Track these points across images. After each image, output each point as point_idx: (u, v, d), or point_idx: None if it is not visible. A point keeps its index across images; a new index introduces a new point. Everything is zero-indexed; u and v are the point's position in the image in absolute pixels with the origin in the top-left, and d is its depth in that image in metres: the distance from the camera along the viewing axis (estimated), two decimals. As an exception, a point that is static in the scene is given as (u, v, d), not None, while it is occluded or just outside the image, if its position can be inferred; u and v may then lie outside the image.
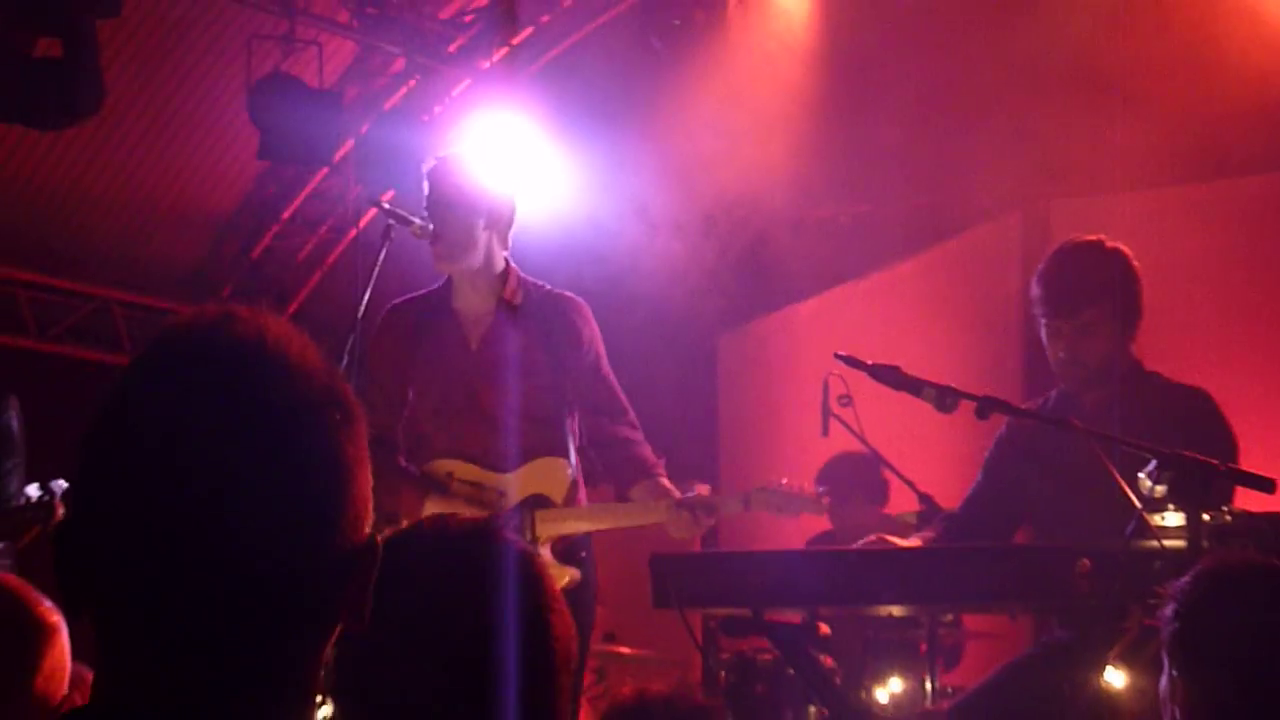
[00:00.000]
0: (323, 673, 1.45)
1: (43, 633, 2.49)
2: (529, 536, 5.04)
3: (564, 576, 4.96)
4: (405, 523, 5.06)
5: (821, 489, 5.04)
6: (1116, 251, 4.77)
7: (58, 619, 2.52)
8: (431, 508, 5.00)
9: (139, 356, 1.42)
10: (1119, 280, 4.72)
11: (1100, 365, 4.70)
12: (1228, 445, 4.51)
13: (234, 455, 1.35)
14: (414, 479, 5.11)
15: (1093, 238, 4.83)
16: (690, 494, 5.00)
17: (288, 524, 1.37)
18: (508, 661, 1.95)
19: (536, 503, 5.08)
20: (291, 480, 1.37)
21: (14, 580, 2.57)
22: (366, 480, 1.43)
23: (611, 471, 5.25)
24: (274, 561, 1.36)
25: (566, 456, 5.14)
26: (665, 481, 5.13)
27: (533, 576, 2.04)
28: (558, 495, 5.10)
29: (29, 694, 2.44)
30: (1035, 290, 4.78)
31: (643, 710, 2.75)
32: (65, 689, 2.48)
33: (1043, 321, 4.77)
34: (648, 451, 5.22)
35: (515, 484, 5.09)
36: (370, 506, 1.44)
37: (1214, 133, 7.07)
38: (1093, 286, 4.70)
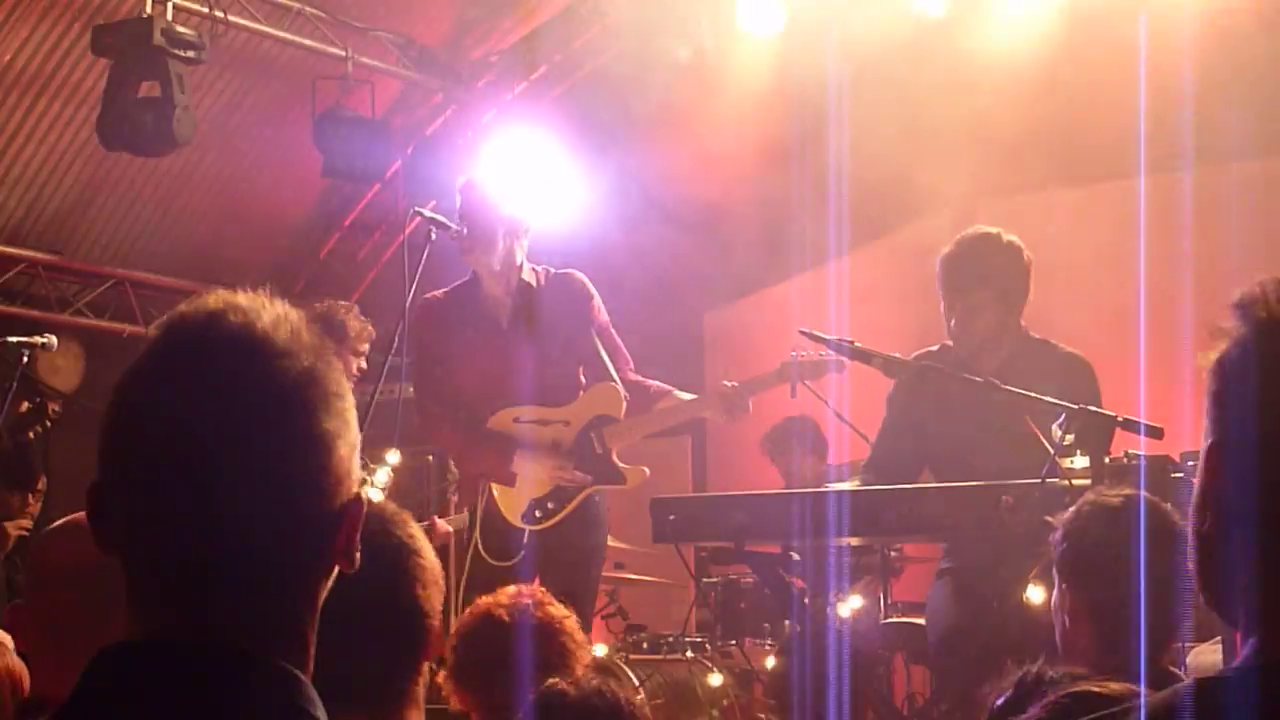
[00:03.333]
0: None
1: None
2: (600, 450, 5.04)
3: (637, 476, 5.08)
4: (491, 481, 5.04)
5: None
6: (1010, 243, 4.69)
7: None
8: (519, 460, 5.00)
9: (146, 350, 1.38)
10: (1005, 268, 4.65)
11: (986, 337, 4.63)
12: (1095, 397, 4.47)
13: (224, 437, 1.32)
14: (494, 438, 5.06)
15: (991, 230, 4.75)
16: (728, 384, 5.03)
17: (274, 491, 1.33)
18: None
19: (602, 421, 5.08)
20: (275, 455, 1.34)
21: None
22: (347, 447, 1.38)
23: (633, 406, 5.20)
24: (265, 523, 1.33)
25: (614, 381, 5.13)
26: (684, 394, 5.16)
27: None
28: (617, 412, 5.10)
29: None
30: (937, 270, 4.72)
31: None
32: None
33: (941, 296, 4.71)
34: (659, 384, 5.24)
35: (577, 412, 5.09)
36: (353, 469, 1.40)
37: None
38: (982, 272, 4.64)
